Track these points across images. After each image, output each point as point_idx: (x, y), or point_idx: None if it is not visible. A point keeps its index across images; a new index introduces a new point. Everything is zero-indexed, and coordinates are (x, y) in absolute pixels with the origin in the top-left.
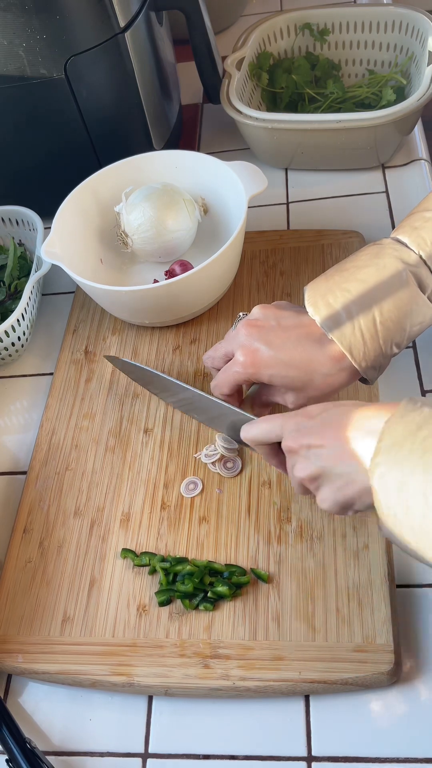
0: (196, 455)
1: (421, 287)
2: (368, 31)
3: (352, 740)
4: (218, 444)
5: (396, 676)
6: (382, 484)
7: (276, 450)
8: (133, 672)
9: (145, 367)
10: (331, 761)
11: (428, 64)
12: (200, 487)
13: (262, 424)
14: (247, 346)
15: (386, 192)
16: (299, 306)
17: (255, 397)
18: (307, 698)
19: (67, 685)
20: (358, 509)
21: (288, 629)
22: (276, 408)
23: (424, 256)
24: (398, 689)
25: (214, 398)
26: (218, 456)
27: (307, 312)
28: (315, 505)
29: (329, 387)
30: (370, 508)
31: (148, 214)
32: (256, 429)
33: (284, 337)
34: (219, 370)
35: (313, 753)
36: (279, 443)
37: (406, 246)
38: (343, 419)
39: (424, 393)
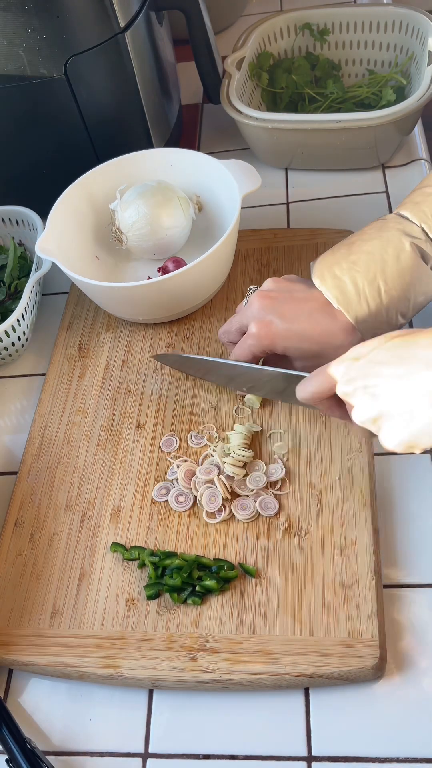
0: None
1: (425, 259)
2: (368, 31)
3: (352, 740)
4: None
5: (381, 671)
6: None
7: (336, 402)
8: (121, 664)
9: (198, 357)
10: (331, 761)
11: (428, 64)
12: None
13: (314, 379)
14: (261, 319)
15: (386, 192)
16: (308, 280)
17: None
18: (307, 698)
19: (56, 677)
20: (425, 448)
21: (275, 623)
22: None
23: (426, 229)
24: (398, 689)
25: (260, 367)
26: (217, 473)
27: (315, 285)
28: (303, 501)
29: (339, 352)
30: None
31: (143, 211)
32: (311, 385)
33: (297, 309)
34: (235, 344)
35: (313, 753)
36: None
37: (409, 220)
38: (397, 352)
39: None
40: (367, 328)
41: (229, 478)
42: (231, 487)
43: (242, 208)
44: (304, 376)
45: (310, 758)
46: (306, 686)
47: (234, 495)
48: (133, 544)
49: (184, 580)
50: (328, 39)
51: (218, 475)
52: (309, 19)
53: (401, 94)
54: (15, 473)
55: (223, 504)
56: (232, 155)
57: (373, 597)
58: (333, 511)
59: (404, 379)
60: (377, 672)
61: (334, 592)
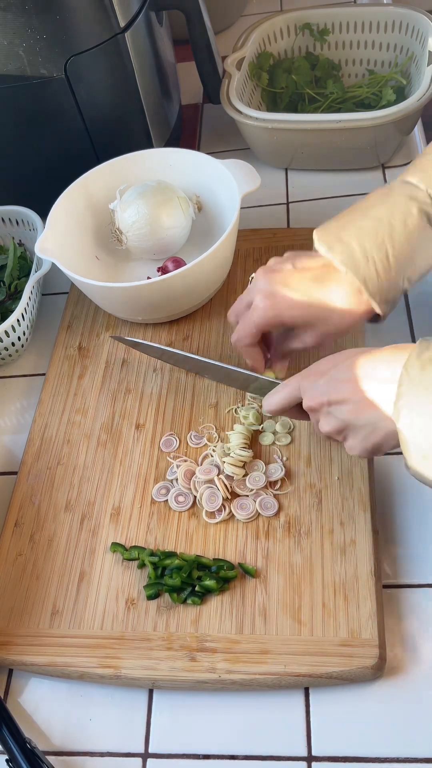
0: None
1: (431, 223)
2: (368, 31)
3: (352, 740)
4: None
5: (381, 670)
6: (408, 427)
7: (301, 410)
8: (121, 664)
9: (154, 344)
10: (331, 761)
11: (428, 64)
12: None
13: (280, 393)
14: (266, 290)
15: None
16: (310, 251)
17: (273, 350)
18: (307, 698)
19: (56, 677)
20: (387, 451)
21: (274, 623)
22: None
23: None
24: (398, 689)
25: (231, 367)
26: (216, 472)
27: (319, 255)
28: (303, 501)
29: (346, 323)
30: (398, 448)
31: (143, 211)
32: (276, 399)
33: (300, 277)
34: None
35: (313, 753)
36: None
37: (415, 185)
38: (356, 371)
39: None
40: (375, 291)
41: (229, 477)
42: (231, 486)
43: (242, 207)
44: (268, 381)
45: (310, 758)
46: (306, 686)
47: (234, 495)
48: (133, 544)
49: (184, 580)
50: (328, 39)
51: (218, 475)
52: (309, 19)
53: (401, 94)
54: (15, 473)
55: (223, 504)
56: (232, 155)
57: (372, 597)
58: (332, 511)
59: (365, 395)
60: (377, 672)
61: (334, 592)
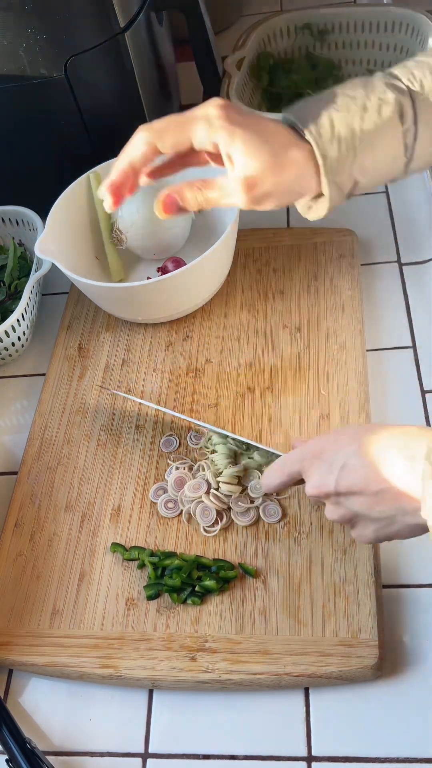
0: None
1: (401, 119)
2: (368, 32)
3: (352, 740)
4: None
5: (380, 670)
6: None
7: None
8: (121, 664)
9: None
10: (331, 761)
11: None
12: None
13: (279, 474)
14: (222, 108)
15: (386, 192)
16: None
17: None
18: (307, 698)
19: (56, 677)
20: (401, 538)
21: (274, 623)
22: None
23: (411, 88)
24: (398, 689)
25: (230, 434)
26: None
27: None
28: (303, 501)
29: (291, 186)
30: (417, 534)
31: (142, 211)
32: (275, 481)
33: (261, 121)
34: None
35: (313, 753)
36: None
37: (396, 77)
38: (367, 458)
39: (424, 393)
40: (330, 169)
41: (227, 495)
42: (228, 503)
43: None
44: (266, 451)
45: (310, 758)
46: (305, 686)
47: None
48: (133, 545)
49: (184, 580)
50: (329, 39)
51: (207, 492)
52: (309, 19)
53: None
54: (15, 473)
55: (219, 514)
56: None
57: (372, 597)
58: None
59: (380, 488)
60: (376, 672)
61: (334, 592)
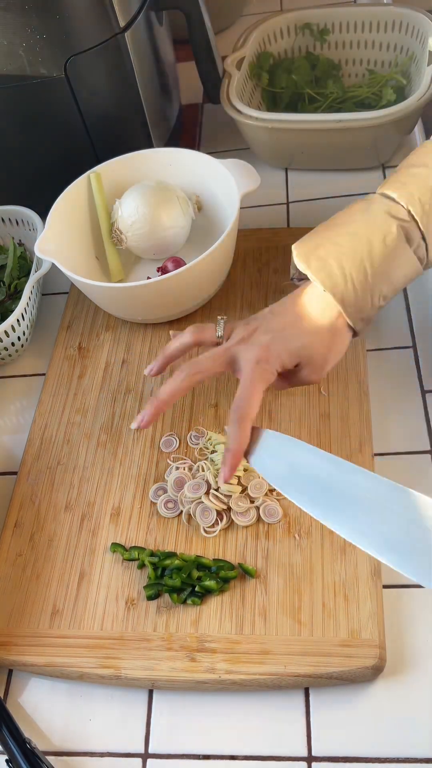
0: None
1: (408, 241)
2: (368, 31)
3: (352, 740)
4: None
5: (381, 670)
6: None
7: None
8: (121, 665)
9: None
10: (331, 761)
11: (428, 64)
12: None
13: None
14: (254, 345)
15: None
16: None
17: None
18: (307, 698)
19: (55, 677)
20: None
21: (274, 624)
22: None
23: (413, 212)
24: (398, 689)
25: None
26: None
27: (291, 284)
28: None
29: (330, 346)
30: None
31: (142, 211)
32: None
33: (281, 317)
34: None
35: (313, 753)
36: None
37: (395, 201)
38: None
39: (424, 393)
40: (353, 311)
41: (227, 495)
42: (227, 503)
43: (243, 208)
44: None
45: (310, 758)
46: (306, 686)
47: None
48: (133, 545)
49: (184, 580)
50: (328, 39)
51: (206, 493)
52: (309, 19)
53: (401, 94)
54: (14, 473)
55: (219, 514)
56: (232, 155)
57: (372, 597)
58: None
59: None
60: (377, 672)
61: (334, 592)
